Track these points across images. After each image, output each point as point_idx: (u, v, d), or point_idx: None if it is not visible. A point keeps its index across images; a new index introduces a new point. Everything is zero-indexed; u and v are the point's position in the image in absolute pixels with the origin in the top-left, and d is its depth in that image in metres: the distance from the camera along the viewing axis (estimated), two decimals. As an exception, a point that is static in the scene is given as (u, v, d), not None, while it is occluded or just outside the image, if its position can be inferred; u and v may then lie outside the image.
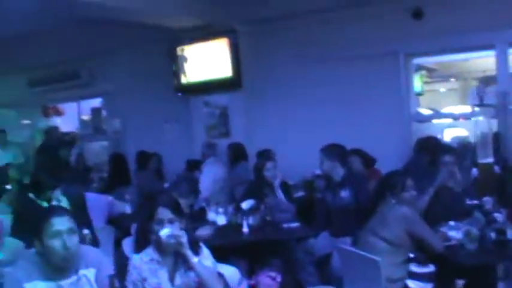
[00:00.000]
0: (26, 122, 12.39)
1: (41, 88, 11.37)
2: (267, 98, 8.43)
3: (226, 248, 5.24)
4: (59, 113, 12.21)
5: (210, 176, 7.27)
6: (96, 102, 11.35)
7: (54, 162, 8.82)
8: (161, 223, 3.36)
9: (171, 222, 3.37)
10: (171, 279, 3.37)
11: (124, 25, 8.43)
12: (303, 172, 7.36)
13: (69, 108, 12.03)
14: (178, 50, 8.90)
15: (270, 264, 5.26)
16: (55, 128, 11.18)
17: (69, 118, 12.08)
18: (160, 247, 3.38)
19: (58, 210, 3.16)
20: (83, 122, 11.63)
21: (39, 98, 11.72)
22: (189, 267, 3.35)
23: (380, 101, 7.45)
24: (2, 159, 9.67)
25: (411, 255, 3.85)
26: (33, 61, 10.98)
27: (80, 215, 4.31)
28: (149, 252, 3.43)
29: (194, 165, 8.63)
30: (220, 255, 5.15)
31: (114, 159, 8.91)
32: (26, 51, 10.85)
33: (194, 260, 3.33)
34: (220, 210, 5.37)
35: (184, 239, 3.31)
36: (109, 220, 6.19)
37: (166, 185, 8.45)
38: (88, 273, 3.14)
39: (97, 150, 11.08)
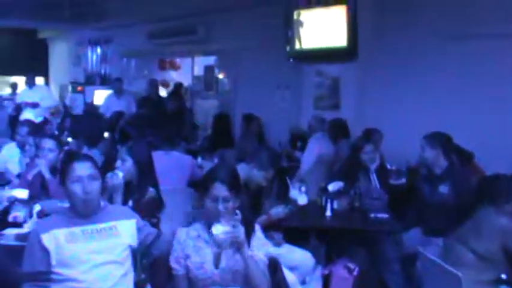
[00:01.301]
0: (144, 72, 12.51)
1: (159, 41, 11.42)
2: (382, 73, 7.72)
3: (306, 229, 4.91)
4: (175, 67, 12.24)
5: (314, 152, 6.87)
6: (211, 60, 11.19)
7: (154, 116, 8.78)
8: (216, 200, 3.03)
9: (226, 200, 3.02)
10: (216, 260, 3.04)
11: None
12: (410, 157, 6.76)
13: (185, 63, 12.02)
14: (295, 14, 8.45)
15: (350, 253, 4.82)
16: (155, 81, 11.16)
17: (183, 73, 12.08)
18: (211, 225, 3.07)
19: (79, 156, 3.15)
20: (195, 78, 11.54)
21: (157, 50, 11.79)
22: (237, 248, 3.01)
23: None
24: (115, 107, 9.82)
25: (503, 276, 3.26)
26: (154, 14, 10.99)
27: (146, 175, 4.12)
28: (197, 228, 3.12)
29: (298, 138, 8.28)
30: (299, 236, 4.84)
31: (218, 119, 8.80)
32: (147, 4, 10.86)
33: (249, 253, 2.96)
34: (303, 189, 4.96)
35: (241, 236, 2.91)
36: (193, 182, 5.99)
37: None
38: (120, 225, 3.10)
39: (207, 108, 10.98)
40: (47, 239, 2.93)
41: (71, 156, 3.22)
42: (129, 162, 4.12)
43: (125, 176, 4.08)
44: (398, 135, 7.03)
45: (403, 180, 6.03)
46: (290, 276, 3.99)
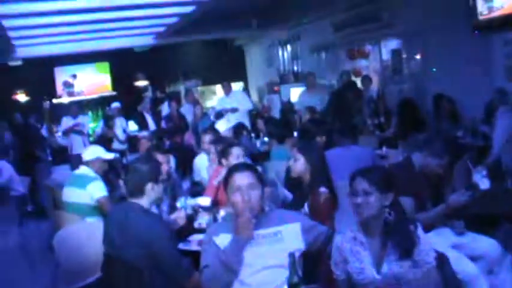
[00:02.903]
0: (334, 64, 12.62)
1: (344, 32, 11.44)
2: None
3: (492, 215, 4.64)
4: (364, 55, 12.13)
5: (503, 128, 6.48)
6: (398, 43, 10.92)
7: (339, 108, 8.83)
8: (355, 194, 3.06)
9: (366, 194, 3.03)
10: (377, 265, 2.99)
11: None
12: None
13: (372, 50, 11.87)
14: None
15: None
16: (348, 72, 11.16)
17: (372, 60, 11.93)
18: (366, 227, 3.07)
19: (240, 167, 3.32)
20: (383, 64, 11.33)
21: (343, 41, 11.84)
22: (403, 255, 2.96)
23: None
24: (309, 102, 10.06)
25: None
26: (337, 5, 11.03)
27: (318, 174, 4.19)
28: (353, 230, 3.12)
29: (491, 112, 7.81)
30: (488, 223, 4.58)
31: (402, 105, 8.62)
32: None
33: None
34: (484, 172, 4.70)
35: None
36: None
37: (459, 133, 7.86)
38: (285, 229, 3.20)
39: (397, 93, 10.75)
40: (218, 241, 3.17)
41: (232, 168, 3.40)
42: (301, 161, 4.23)
43: (298, 174, 4.21)
44: None
45: None
46: (471, 268, 3.83)
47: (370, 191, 3.03)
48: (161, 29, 12.30)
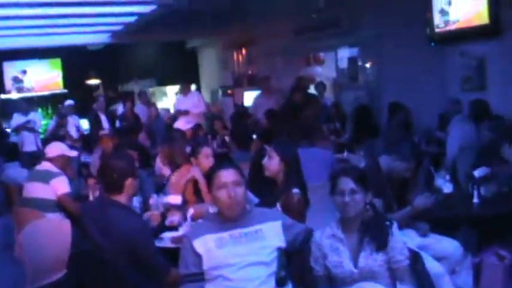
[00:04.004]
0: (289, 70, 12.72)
1: (303, 37, 11.54)
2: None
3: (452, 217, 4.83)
4: (319, 62, 12.32)
5: (457, 137, 6.73)
6: (354, 51, 11.15)
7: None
8: (342, 194, 3.15)
9: (353, 192, 3.14)
10: (354, 259, 3.13)
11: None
12: None
13: (328, 57, 12.06)
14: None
15: (502, 240, 4.67)
16: (301, 78, 11.30)
17: (327, 67, 12.12)
18: (345, 224, 3.19)
19: (224, 164, 3.35)
20: (339, 71, 11.54)
21: (301, 46, 11.95)
22: (378, 248, 3.10)
23: None
24: (265, 106, 10.14)
25: None
26: (298, 9, 11.11)
27: (292, 174, 4.20)
28: (332, 227, 3.24)
29: (446, 122, 8.09)
30: (448, 225, 4.77)
31: (358, 111, 8.79)
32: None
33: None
34: (447, 177, 4.90)
35: None
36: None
37: (415, 139, 8.09)
38: (265, 227, 3.21)
39: (353, 100, 10.96)
40: (198, 244, 3.17)
41: (216, 165, 3.44)
42: (276, 160, 4.22)
43: (271, 173, 4.22)
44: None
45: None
46: (437, 267, 3.98)
47: (357, 190, 3.15)
48: (118, 27, 12.18)
